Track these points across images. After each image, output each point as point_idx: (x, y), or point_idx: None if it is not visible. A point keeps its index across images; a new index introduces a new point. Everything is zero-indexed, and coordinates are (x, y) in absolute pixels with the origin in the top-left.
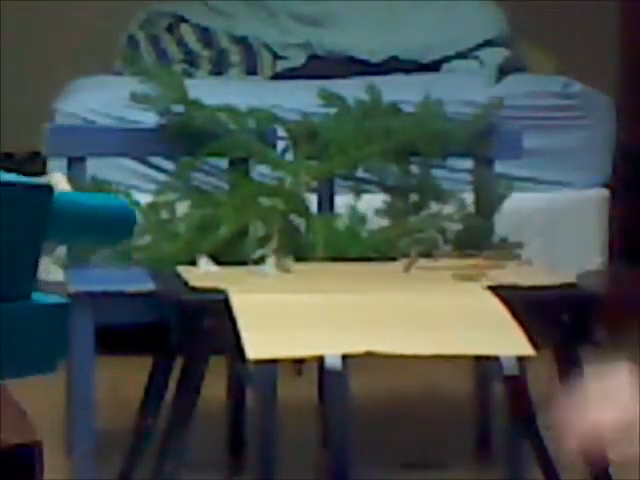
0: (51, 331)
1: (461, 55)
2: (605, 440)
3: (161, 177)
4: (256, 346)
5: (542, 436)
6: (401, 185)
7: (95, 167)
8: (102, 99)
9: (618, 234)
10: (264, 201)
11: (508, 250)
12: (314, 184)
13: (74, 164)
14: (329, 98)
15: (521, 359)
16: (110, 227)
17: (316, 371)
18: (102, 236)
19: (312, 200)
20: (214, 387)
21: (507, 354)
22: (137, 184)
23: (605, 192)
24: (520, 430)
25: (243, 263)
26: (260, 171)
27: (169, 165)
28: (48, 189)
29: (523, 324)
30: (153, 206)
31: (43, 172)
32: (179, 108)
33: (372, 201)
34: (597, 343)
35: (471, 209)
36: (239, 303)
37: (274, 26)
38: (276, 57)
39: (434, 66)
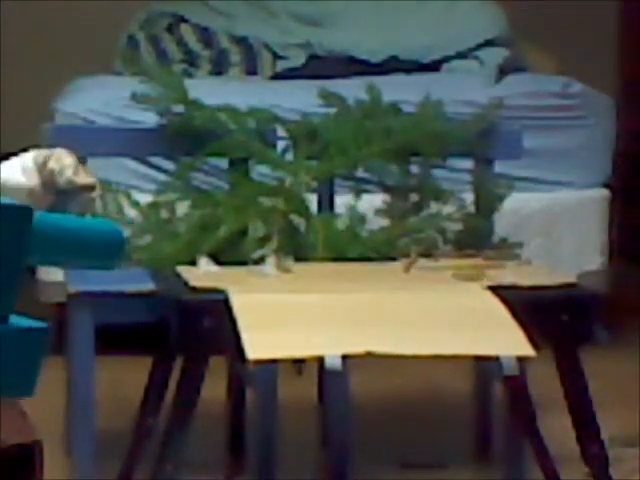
0: (27, 356)
1: (461, 55)
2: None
3: (161, 177)
4: (256, 346)
5: (542, 436)
6: (401, 185)
7: (95, 167)
8: (102, 99)
9: (618, 234)
10: (264, 201)
11: (508, 250)
12: (314, 184)
13: None
14: (329, 98)
15: (521, 359)
16: (95, 251)
17: (316, 371)
18: (87, 259)
19: (312, 200)
20: (214, 387)
21: (507, 354)
22: (137, 184)
23: (605, 192)
24: (520, 430)
25: (243, 263)
26: (260, 171)
27: (169, 165)
28: (28, 210)
29: (523, 324)
30: (153, 206)
31: None
32: (179, 108)
33: (372, 201)
34: (597, 343)
35: (471, 209)
36: (239, 303)
37: (274, 26)
38: (276, 57)
39: (434, 66)
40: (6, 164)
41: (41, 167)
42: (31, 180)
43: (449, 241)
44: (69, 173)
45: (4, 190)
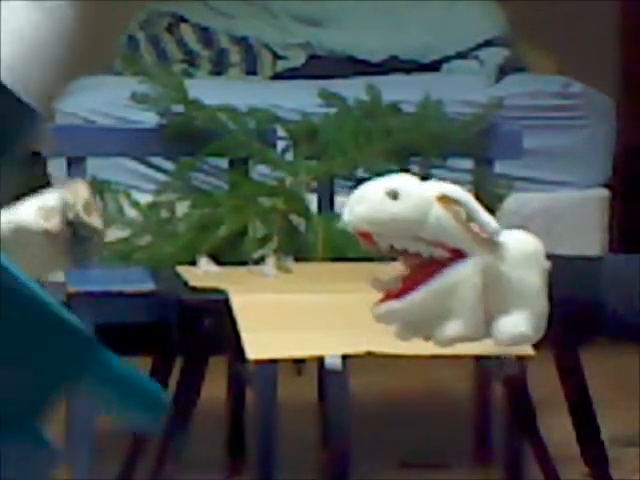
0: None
1: (461, 55)
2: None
3: (161, 177)
4: (256, 346)
5: (542, 436)
6: None
7: (95, 167)
8: (102, 99)
9: (618, 234)
10: (264, 201)
11: None
12: (314, 184)
13: (74, 164)
14: (329, 98)
15: (521, 359)
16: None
17: (316, 371)
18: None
19: (312, 200)
20: (214, 387)
21: (507, 354)
22: (137, 184)
23: (605, 192)
24: (520, 430)
25: (243, 263)
26: (260, 171)
27: (169, 165)
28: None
29: None
30: (153, 206)
31: (43, 172)
32: (179, 108)
33: None
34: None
35: None
36: (239, 303)
37: (274, 26)
38: (276, 57)
39: (434, 66)
40: (24, 205)
41: (63, 205)
42: (49, 220)
43: None
44: (79, 207)
45: (20, 233)
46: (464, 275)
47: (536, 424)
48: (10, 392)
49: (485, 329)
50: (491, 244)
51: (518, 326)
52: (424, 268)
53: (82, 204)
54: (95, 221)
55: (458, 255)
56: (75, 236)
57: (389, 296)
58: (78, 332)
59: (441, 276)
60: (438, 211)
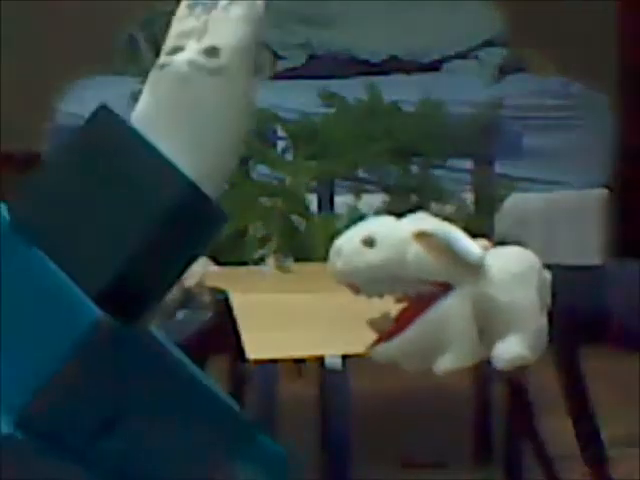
0: None
1: (461, 55)
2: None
3: None
4: (256, 347)
5: (542, 436)
6: (401, 185)
7: None
8: (102, 99)
9: (617, 234)
10: (264, 201)
11: None
12: (314, 184)
13: None
14: (329, 98)
15: None
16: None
17: (316, 371)
18: None
19: (312, 200)
20: None
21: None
22: None
23: (605, 192)
24: (520, 430)
25: (243, 263)
26: (260, 171)
27: None
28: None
29: None
30: None
31: None
32: None
33: (372, 201)
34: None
35: (471, 209)
36: (239, 303)
37: (274, 26)
38: (276, 57)
39: (434, 66)
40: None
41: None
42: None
43: None
44: (193, 281)
45: None
46: (451, 308)
47: (536, 424)
48: (167, 469)
49: (485, 353)
50: (476, 271)
51: (513, 350)
52: (414, 304)
53: (197, 280)
54: (205, 298)
55: (445, 287)
56: (185, 305)
57: (382, 337)
58: (236, 414)
59: (429, 312)
60: (416, 249)
